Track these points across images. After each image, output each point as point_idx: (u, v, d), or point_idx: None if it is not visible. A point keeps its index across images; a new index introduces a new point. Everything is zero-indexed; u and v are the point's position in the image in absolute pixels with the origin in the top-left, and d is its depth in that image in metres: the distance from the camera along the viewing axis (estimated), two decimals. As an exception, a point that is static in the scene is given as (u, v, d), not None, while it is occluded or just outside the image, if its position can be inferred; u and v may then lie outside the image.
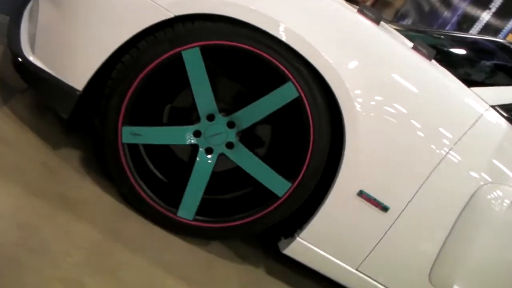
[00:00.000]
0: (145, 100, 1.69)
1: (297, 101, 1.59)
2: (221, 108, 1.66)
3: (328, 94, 1.55)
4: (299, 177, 1.67)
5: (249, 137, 1.76)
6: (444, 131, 1.57)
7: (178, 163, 1.88)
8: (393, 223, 1.63)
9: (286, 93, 1.56)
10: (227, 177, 1.88)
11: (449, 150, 1.57)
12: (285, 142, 1.81)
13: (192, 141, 1.69)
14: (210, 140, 1.69)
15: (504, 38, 8.87)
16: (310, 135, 1.60)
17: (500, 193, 1.62)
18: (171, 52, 1.54)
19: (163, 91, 1.77)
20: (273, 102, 1.59)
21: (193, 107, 1.67)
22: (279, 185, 1.66)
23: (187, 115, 1.75)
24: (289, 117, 1.71)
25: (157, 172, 1.82)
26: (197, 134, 1.70)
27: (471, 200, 1.60)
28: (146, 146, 1.79)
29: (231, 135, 1.68)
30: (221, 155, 1.71)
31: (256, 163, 1.67)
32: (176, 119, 1.82)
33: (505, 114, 1.65)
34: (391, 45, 1.57)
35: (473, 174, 1.61)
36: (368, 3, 6.62)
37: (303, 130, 1.61)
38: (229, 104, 1.72)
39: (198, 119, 1.68)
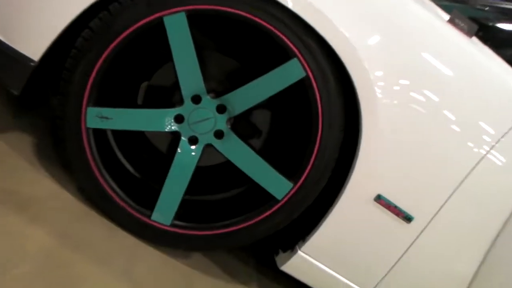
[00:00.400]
0: (116, 76, 1.68)
1: (304, 83, 1.58)
2: (210, 88, 1.65)
3: (342, 75, 1.54)
4: (303, 177, 1.67)
5: (243, 125, 1.77)
6: (484, 125, 1.56)
7: (154, 154, 1.89)
8: (418, 237, 1.62)
9: (290, 72, 1.55)
10: (214, 174, 1.89)
11: (490, 149, 1.55)
12: (287, 133, 1.81)
13: (172, 127, 1.69)
14: (195, 128, 1.69)
15: None
16: (318, 125, 1.59)
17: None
18: (150, 17, 1.54)
19: (138, 66, 1.79)
20: (274, 82, 1.58)
21: (175, 86, 1.66)
22: (278, 185, 1.67)
23: (167, 95, 1.77)
24: (293, 102, 1.70)
25: (128, 166, 1.83)
26: (179, 119, 1.69)
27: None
28: (115, 133, 1.79)
29: (221, 122, 1.68)
30: (208, 146, 1.71)
31: (251, 157, 1.68)
32: (154, 101, 1.83)
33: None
34: (422, 17, 1.54)
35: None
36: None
37: (310, 118, 1.61)
38: (220, 84, 1.73)
39: (180, 101, 1.67)
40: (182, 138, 1.72)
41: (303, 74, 1.55)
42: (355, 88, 1.51)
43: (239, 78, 1.68)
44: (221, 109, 1.69)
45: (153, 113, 1.69)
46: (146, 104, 1.81)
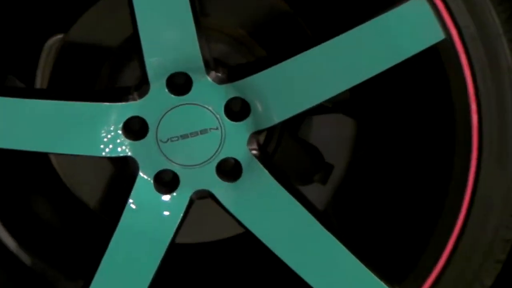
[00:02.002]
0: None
1: (438, 56, 1.04)
2: (212, 62, 1.06)
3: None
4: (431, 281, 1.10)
5: (288, 151, 1.25)
6: None
7: (74, 217, 1.40)
8: None
9: (410, 29, 1.03)
10: (212, 265, 1.43)
11: None
12: (385, 170, 1.34)
13: (118, 150, 1.08)
14: (173, 151, 1.08)
15: None
16: (471, 153, 1.04)
17: None
18: None
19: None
20: (371, 52, 1.02)
21: (127, 48, 1.22)
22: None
23: (104, 73, 1.26)
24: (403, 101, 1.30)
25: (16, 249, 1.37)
26: (134, 129, 1.08)
27: None
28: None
29: (236, 142, 1.08)
30: (200, 198, 1.11)
31: (310, 231, 1.10)
32: (72, 84, 1.29)
33: None
34: None
35: None
36: None
37: (445, 140, 1.11)
38: (238, 53, 1.22)
39: (140, 87, 1.05)
40: (141, 174, 1.07)
41: (440, 36, 1.01)
42: None
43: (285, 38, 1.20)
44: (237, 110, 1.06)
45: (72, 113, 1.07)
46: (56, 92, 1.19)
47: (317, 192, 1.23)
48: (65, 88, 1.26)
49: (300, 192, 1.07)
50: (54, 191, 1.36)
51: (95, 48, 1.27)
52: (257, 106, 1.01)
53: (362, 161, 1.31)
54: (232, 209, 1.04)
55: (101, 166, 1.21)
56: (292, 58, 0.98)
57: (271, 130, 1.18)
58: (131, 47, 1.13)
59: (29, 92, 1.20)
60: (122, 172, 1.22)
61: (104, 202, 1.26)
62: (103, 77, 1.24)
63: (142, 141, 1.02)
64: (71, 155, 1.08)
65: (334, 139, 1.26)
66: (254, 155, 1.03)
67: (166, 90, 1.00)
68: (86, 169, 1.24)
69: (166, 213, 1.06)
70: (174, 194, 1.05)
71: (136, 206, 1.04)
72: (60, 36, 1.27)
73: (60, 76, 1.26)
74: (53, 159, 1.24)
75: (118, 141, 1.03)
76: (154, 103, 1.01)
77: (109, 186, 1.24)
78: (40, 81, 1.28)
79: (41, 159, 1.34)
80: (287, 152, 1.22)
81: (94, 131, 1.03)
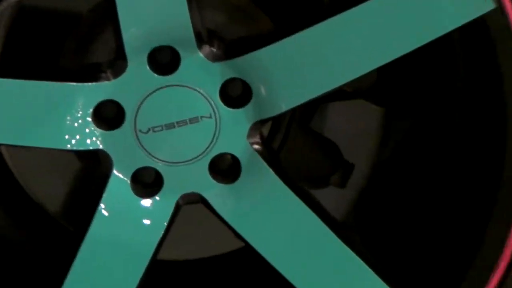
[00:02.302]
0: None
1: (484, 31, 0.90)
2: (206, 33, 0.94)
3: None
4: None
5: (298, 144, 1.09)
6: None
7: (32, 224, 1.21)
8: None
9: None
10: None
11: None
12: (415, 173, 1.15)
13: (87, 142, 0.93)
14: (154, 145, 0.93)
15: None
16: None
17: None
18: None
19: None
20: (403, 22, 0.87)
21: (98, 14, 1.04)
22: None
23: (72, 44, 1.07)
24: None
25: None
26: (107, 117, 0.93)
27: None
28: None
29: (234, 132, 0.94)
30: (188, 203, 0.97)
31: (320, 241, 0.95)
32: (32, 61, 1.10)
33: None
34: None
35: None
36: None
37: (495, 131, 0.96)
38: (237, 22, 1.04)
39: (114, 63, 0.91)
40: (115, 173, 0.92)
41: (490, 5, 0.87)
42: None
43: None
44: (235, 94, 0.92)
45: (29, 95, 0.92)
46: (8, 68, 1.02)
47: (334, 197, 1.07)
48: (20, 63, 1.07)
49: (313, 198, 0.93)
50: (6, 193, 1.17)
51: (58, 14, 1.07)
52: (261, 89, 0.86)
53: (390, 159, 1.13)
54: (228, 218, 0.89)
55: (65, 162, 1.04)
56: (306, 30, 0.83)
57: (277, 120, 1.02)
58: (104, 13, 0.97)
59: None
60: (92, 170, 1.02)
61: (69, 207, 1.08)
62: (68, 51, 1.05)
63: (116, 131, 0.87)
64: (27, 147, 0.92)
65: (355, 132, 1.08)
66: (256, 151, 0.88)
67: (148, 68, 0.85)
68: (46, 166, 1.07)
69: (147, 221, 0.90)
70: (157, 198, 0.90)
71: (108, 213, 0.89)
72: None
73: (14, 48, 1.07)
74: (5, 152, 1.07)
75: (87, 130, 0.88)
76: (132, 84, 0.86)
77: (75, 187, 1.07)
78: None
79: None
80: (296, 147, 1.06)
81: (57, 118, 0.86)
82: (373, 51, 0.83)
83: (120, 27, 0.83)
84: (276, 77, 0.85)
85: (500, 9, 0.83)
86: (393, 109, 1.10)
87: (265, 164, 0.88)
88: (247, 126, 0.87)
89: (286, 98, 0.86)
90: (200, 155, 0.87)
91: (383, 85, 1.05)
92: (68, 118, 0.87)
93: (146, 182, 0.90)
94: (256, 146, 0.88)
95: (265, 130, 0.98)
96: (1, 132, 0.88)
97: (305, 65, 0.84)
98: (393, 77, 1.02)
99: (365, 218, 1.15)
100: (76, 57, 1.03)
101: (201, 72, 0.86)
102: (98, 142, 0.88)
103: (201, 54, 0.85)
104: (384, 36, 0.83)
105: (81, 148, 0.88)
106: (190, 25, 0.83)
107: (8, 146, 1.01)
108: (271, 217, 0.90)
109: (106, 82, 0.86)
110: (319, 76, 0.84)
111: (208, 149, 0.87)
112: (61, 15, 1.09)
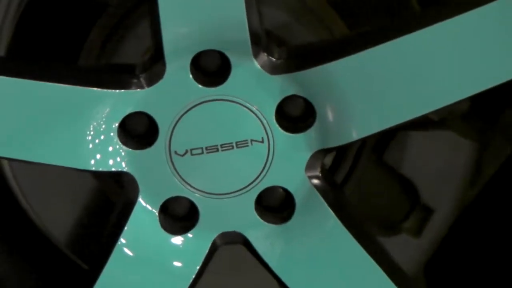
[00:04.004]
0: None
1: None
2: (265, 37, 0.78)
3: None
4: None
5: (363, 183, 1.04)
6: None
7: (36, 263, 1.10)
8: None
9: None
10: None
11: None
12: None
13: (111, 162, 0.81)
14: (193, 170, 0.80)
15: None
16: None
17: None
18: None
19: None
20: None
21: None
22: None
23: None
24: None
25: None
26: (139, 134, 0.79)
27: None
28: None
29: (293, 162, 0.80)
30: (225, 245, 0.87)
31: None
32: (46, 58, 1.00)
33: None
34: None
35: None
36: None
37: None
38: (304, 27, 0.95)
39: (149, 68, 0.77)
40: (141, 201, 0.78)
41: None
42: None
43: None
44: (295, 115, 0.78)
45: (42, 100, 0.80)
46: (17, 66, 0.80)
47: (406, 248, 0.96)
48: (32, 60, 0.93)
49: (380, 248, 0.80)
50: (9, 221, 1.07)
51: (81, 2, 1.00)
52: (327, 111, 0.73)
53: (477, 204, 1.00)
54: (274, 265, 0.76)
55: (79, 183, 0.94)
56: (390, 42, 0.70)
57: (343, 150, 0.92)
58: (139, 4, 0.89)
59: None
60: (112, 195, 0.94)
61: (80, 238, 0.99)
62: (92, 47, 0.96)
63: (146, 150, 0.75)
64: (34, 163, 0.78)
65: (438, 170, 0.96)
66: (315, 186, 0.75)
67: (190, 76, 0.72)
68: (57, 190, 0.96)
69: (177, 264, 0.78)
70: (189, 235, 0.77)
71: (129, 250, 0.76)
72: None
73: (25, 42, 0.98)
74: (8, 173, 0.96)
75: (110, 148, 0.75)
76: (169, 95, 0.73)
77: (90, 217, 0.97)
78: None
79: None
80: (364, 184, 0.97)
81: (73, 130, 0.74)
82: (473, 73, 0.68)
83: (160, 22, 0.71)
84: (348, 98, 0.72)
85: None
86: (485, 143, 0.96)
87: (324, 203, 0.76)
88: (306, 156, 0.74)
89: (359, 125, 0.73)
90: (246, 186, 0.75)
91: (478, 115, 0.92)
92: (87, 131, 0.75)
93: (178, 215, 0.78)
94: (315, 181, 0.76)
95: (328, 161, 0.89)
96: (3, 142, 0.75)
97: (388, 84, 0.71)
98: (490, 105, 0.89)
99: (440, 276, 1.03)
100: (100, 56, 0.95)
101: (255, 86, 0.73)
102: (123, 163, 0.76)
103: (256, 63, 0.73)
104: (491, 55, 0.69)
105: (100, 169, 0.77)
106: (246, 26, 0.71)
107: (10, 160, 0.91)
108: (326, 269, 0.78)
109: (138, 90, 0.73)
110: (405, 99, 0.71)
111: (256, 181, 0.75)
112: (84, 2, 1.00)
